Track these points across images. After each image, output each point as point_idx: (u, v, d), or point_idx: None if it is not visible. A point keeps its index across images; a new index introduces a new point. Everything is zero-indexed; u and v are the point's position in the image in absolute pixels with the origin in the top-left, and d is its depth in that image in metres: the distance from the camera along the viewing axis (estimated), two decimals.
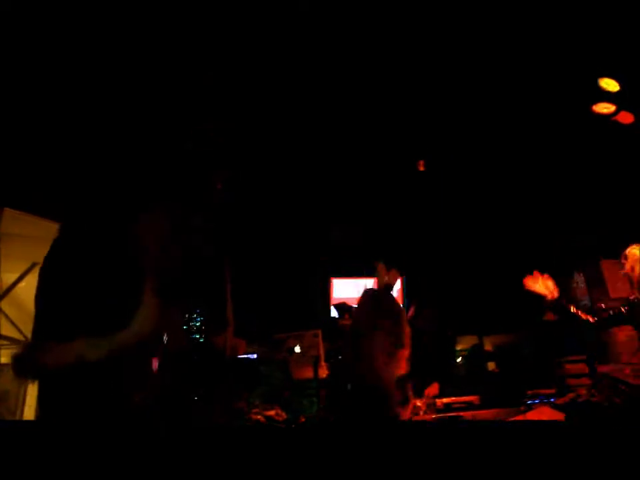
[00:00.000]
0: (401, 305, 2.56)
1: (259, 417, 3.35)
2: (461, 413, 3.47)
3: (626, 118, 3.90)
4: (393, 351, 2.29)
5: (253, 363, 3.55)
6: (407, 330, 2.44)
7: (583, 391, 3.79)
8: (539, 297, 4.36)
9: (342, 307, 3.93)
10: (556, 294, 3.03)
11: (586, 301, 4.25)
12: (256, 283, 4.39)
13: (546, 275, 3.05)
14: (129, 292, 1.58)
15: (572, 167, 4.03)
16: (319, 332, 3.65)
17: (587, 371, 3.93)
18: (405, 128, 3.98)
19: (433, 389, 3.92)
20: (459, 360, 4.99)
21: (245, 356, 3.65)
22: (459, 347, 5.19)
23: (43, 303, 1.57)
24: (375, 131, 4.09)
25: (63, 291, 1.54)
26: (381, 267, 2.55)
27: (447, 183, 4.31)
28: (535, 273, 3.08)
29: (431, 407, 3.39)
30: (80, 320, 1.50)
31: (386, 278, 2.56)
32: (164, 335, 2.11)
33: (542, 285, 3.05)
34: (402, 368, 2.35)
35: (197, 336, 3.83)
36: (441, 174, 4.18)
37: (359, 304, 2.59)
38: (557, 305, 3.08)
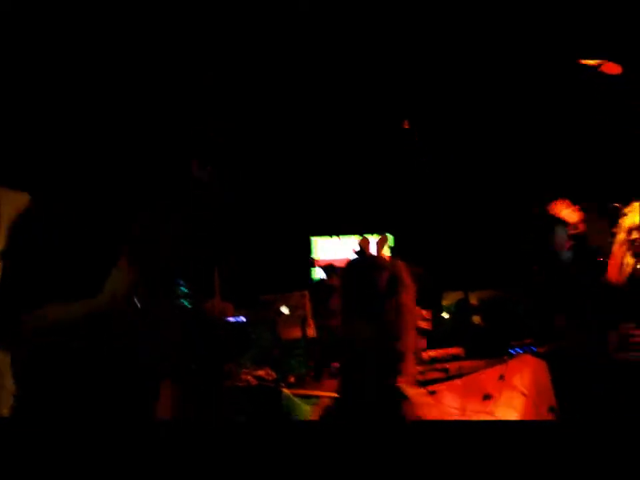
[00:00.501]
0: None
1: (248, 377, 3.42)
2: (446, 365, 3.57)
3: (612, 69, 3.86)
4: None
5: (241, 325, 3.59)
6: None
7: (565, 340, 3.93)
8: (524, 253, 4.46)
9: (328, 268, 3.96)
10: (581, 227, 2.98)
11: (566, 253, 4.32)
12: (242, 244, 4.39)
13: (577, 207, 3.00)
14: (102, 256, 1.56)
15: (560, 122, 4.02)
16: (306, 292, 3.69)
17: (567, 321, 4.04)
18: (389, 83, 3.92)
19: (422, 342, 4.02)
20: (445, 315, 5.11)
21: (234, 319, 3.69)
22: (445, 302, 5.30)
23: (11, 267, 1.52)
24: (359, 87, 4.01)
25: (32, 254, 1.50)
26: (364, 241, 2.49)
27: (434, 138, 4.28)
28: (566, 200, 3.02)
29: (417, 360, 3.47)
30: (52, 284, 1.47)
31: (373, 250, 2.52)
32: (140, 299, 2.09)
33: (571, 213, 2.99)
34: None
35: (184, 302, 3.83)
36: (427, 130, 4.14)
37: (342, 278, 2.56)
38: (579, 238, 3.04)
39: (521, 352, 3.80)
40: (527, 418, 3.63)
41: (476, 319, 4.18)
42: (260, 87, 3.91)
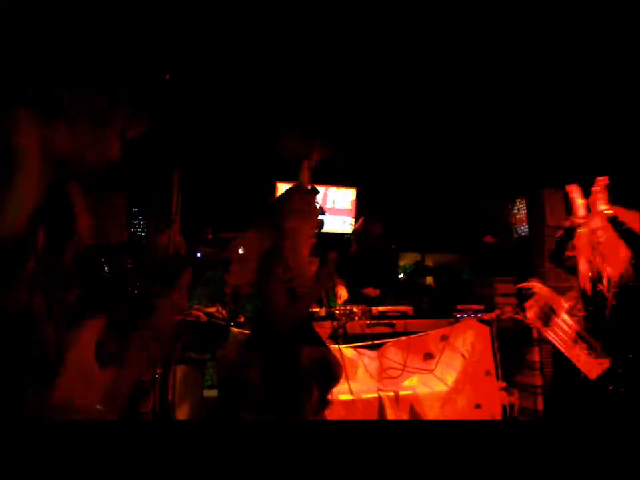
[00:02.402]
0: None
1: (199, 313, 3.41)
2: (394, 321, 3.67)
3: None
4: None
5: (195, 261, 3.54)
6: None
7: (509, 309, 4.10)
8: (480, 221, 4.58)
9: None
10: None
11: (523, 228, 4.45)
12: (203, 183, 4.28)
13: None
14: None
15: (522, 94, 4.00)
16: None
17: (513, 291, 4.20)
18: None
19: (374, 291, 4.10)
20: (400, 275, 5.22)
21: (188, 254, 3.63)
22: (402, 263, 5.41)
23: None
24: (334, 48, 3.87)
25: None
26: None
27: (399, 103, 4.21)
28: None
29: (366, 314, 3.55)
30: None
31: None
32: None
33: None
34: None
35: (140, 232, 3.75)
36: (392, 93, 4.06)
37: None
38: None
39: (466, 316, 3.94)
40: (464, 378, 3.81)
41: (429, 279, 4.29)
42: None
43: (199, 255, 3.72)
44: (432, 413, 3.54)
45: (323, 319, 3.42)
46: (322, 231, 3.92)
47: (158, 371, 3.44)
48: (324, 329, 3.33)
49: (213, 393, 4.18)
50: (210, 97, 4.04)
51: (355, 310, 3.49)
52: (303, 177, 2.59)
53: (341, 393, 3.22)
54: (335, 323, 3.31)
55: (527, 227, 4.44)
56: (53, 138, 1.63)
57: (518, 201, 4.54)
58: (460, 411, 3.64)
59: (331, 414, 3.26)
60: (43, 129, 1.62)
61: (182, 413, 3.69)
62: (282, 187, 4.62)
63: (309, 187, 2.59)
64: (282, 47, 3.62)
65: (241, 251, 3.63)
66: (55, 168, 1.57)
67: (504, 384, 3.92)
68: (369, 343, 3.55)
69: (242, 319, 3.34)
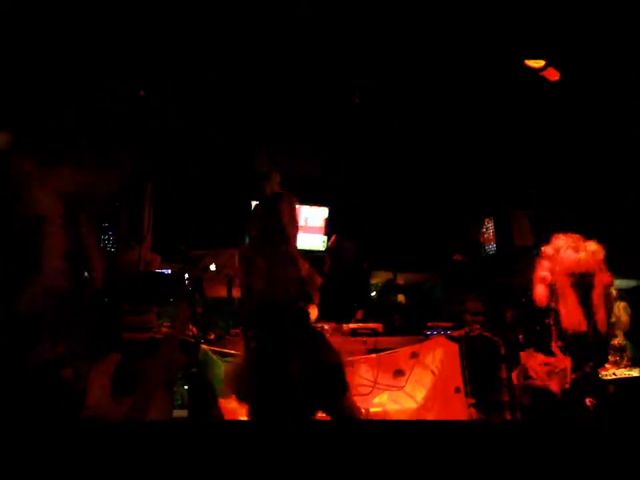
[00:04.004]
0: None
1: (169, 330, 3.37)
2: (365, 339, 3.70)
3: (553, 75, 4.03)
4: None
5: (166, 278, 3.52)
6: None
7: (477, 326, 4.17)
8: (450, 240, 4.69)
9: None
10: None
11: (491, 247, 4.57)
12: (176, 200, 4.28)
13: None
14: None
15: (494, 116, 4.17)
16: (236, 252, 3.65)
17: (482, 309, 4.28)
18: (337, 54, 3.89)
19: (359, 314, 4.15)
20: (372, 293, 5.27)
21: (159, 271, 3.61)
22: (374, 281, 5.46)
23: None
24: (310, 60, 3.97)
25: None
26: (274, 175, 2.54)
27: (374, 120, 4.33)
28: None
29: (337, 331, 3.57)
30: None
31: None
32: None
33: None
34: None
35: (109, 247, 3.71)
36: (370, 110, 4.18)
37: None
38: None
39: (435, 334, 4.00)
40: (434, 395, 3.85)
41: (400, 297, 4.35)
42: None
43: (169, 271, 3.71)
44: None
45: None
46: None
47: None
48: None
49: (182, 413, 4.10)
50: (187, 110, 4.08)
51: (325, 327, 3.50)
52: (272, 187, 2.63)
53: None
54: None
55: (494, 245, 4.57)
56: (62, 182, 1.68)
57: (486, 220, 4.67)
58: None
59: None
60: (52, 177, 1.66)
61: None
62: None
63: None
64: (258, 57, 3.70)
65: (212, 267, 3.65)
66: (69, 211, 1.62)
67: (473, 400, 3.97)
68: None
69: (212, 336, 3.33)
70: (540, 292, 3.22)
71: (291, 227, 2.40)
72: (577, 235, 3.38)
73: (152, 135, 3.81)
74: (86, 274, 1.90)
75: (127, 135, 3.47)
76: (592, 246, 3.26)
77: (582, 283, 3.20)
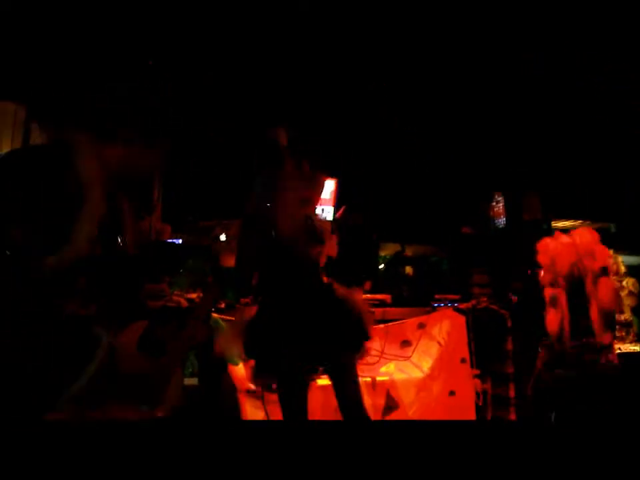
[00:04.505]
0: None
1: (180, 299, 3.42)
2: (373, 309, 3.74)
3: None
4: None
5: (177, 248, 3.56)
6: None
7: (485, 299, 4.20)
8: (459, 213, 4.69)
9: None
10: None
11: (500, 221, 4.56)
12: (187, 169, 4.29)
13: None
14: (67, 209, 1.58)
15: (506, 88, 4.10)
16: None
17: (489, 281, 4.31)
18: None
19: (367, 285, 4.17)
20: (381, 266, 5.30)
21: (170, 240, 3.64)
22: (382, 253, 5.49)
23: None
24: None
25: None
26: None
27: (383, 96, 4.27)
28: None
29: None
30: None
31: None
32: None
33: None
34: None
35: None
36: (374, 82, 4.12)
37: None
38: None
39: (443, 306, 4.04)
40: (440, 365, 3.91)
41: (408, 269, 4.37)
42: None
43: (180, 240, 3.74)
44: (408, 398, 3.63)
45: None
46: None
47: None
48: None
49: (193, 381, 4.20)
50: (196, 85, 4.05)
51: None
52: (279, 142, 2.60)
53: (320, 378, 3.28)
54: None
55: (504, 219, 4.56)
56: (111, 160, 1.75)
57: (496, 194, 4.64)
58: (435, 396, 3.74)
59: (310, 399, 3.33)
60: (102, 152, 1.73)
61: (162, 400, 3.72)
62: None
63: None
64: (264, 40, 3.66)
65: (222, 237, 3.67)
66: (111, 187, 1.69)
67: (478, 371, 4.03)
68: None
69: (223, 305, 3.38)
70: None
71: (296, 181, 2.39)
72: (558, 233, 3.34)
73: (162, 105, 3.79)
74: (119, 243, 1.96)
75: (139, 107, 3.47)
76: (577, 237, 3.22)
77: (572, 279, 3.18)
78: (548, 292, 3.18)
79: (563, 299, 3.15)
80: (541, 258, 3.22)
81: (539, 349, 3.39)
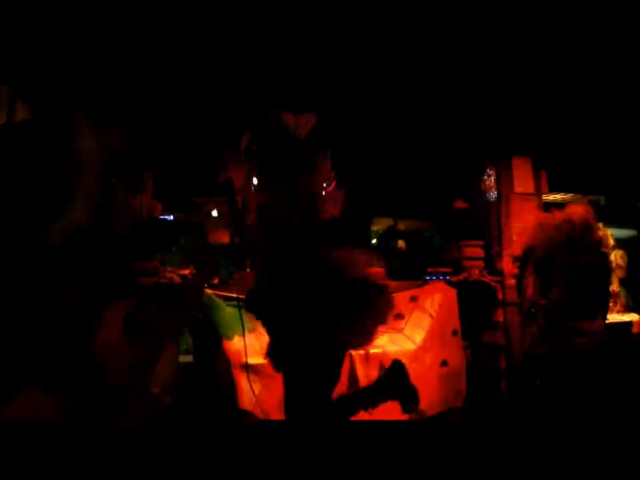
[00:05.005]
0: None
1: (173, 275, 3.42)
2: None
3: None
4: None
5: (168, 225, 3.54)
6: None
7: (476, 271, 4.25)
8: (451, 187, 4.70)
9: None
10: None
11: (492, 194, 4.56)
12: (178, 146, 4.23)
13: None
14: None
15: (495, 59, 4.06)
16: (239, 198, 3.65)
17: (481, 254, 4.35)
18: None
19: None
20: (374, 240, 5.32)
21: (161, 217, 3.62)
22: (375, 227, 5.51)
23: None
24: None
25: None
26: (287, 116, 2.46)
27: (372, 69, 4.22)
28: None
29: None
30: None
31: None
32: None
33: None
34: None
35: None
36: (367, 60, 4.07)
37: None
38: None
39: (435, 279, 4.08)
40: (432, 337, 3.97)
41: (401, 243, 4.39)
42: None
43: (171, 217, 3.72)
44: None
45: None
46: None
47: None
48: None
49: (188, 358, 4.23)
50: (191, 61, 3.98)
51: None
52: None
53: None
54: None
55: (495, 192, 4.56)
56: (108, 140, 1.76)
57: (488, 167, 4.64)
58: (427, 368, 3.81)
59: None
60: (101, 132, 1.74)
61: (156, 377, 3.75)
62: None
63: None
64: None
65: (214, 214, 3.65)
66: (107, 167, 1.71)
67: (468, 343, 4.11)
68: None
69: (216, 281, 3.39)
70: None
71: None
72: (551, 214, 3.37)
73: (151, 80, 3.73)
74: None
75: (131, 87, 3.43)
76: (574, 214, 3.25)
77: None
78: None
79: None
80: (538, 234, 3.26)
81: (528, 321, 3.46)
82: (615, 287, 4.71)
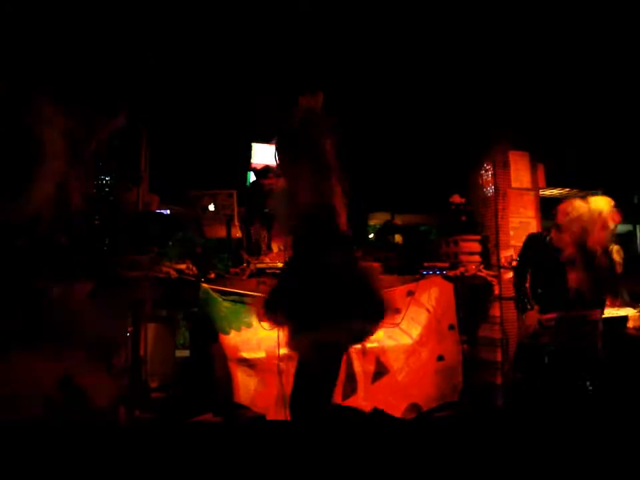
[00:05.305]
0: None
1: (170, 269, 3.42)
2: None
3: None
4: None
5: (165, 219, 3.53)
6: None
7: (472, 266, 4.25)
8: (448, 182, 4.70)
9: (264, 170, 3.90)
10: None
11: (489, 189, 4.56)
12: (174, 140, 4.21)
13: None
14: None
15: (493, 53, 4.04)
16: (234, 192, 3.64)
17: (478, 249, 4.34)
18: None
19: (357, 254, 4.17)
20: (370, 235, 5.32)
21: (158, 211, 3.61)
22: (372, 222, 5.50)
23: None
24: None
25: None
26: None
27: (370, 55, 4.20)
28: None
29: None
30: None
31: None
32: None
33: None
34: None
35: (107, 191, 3.69)
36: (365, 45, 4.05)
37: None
38: None
39: (431, 273, 4.08)
40: (429, 332, 3.98)
41: (398, 238, 4.39)
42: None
43: (167, 211, 3.70)
44: (397, 364, 3.70)
45: None
46: None
47: (129, 329, 3.47)
48: None
49: (185, 353, 4.22)
50: (185, 51, 3.95)
51: None
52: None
53: None
54: None
55: (492, 187, 4.56)
56: (73, 126, 1.76)
57: (485, 162, 4.63)
58: (424, 362, 3.82)
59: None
60: (66, 118, 1.73)
61: (154, 371, 3.75)
62: (257, 148, 4.58)
63: None
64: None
65: (211, 208, 3.65)
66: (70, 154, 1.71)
67: (465, 337, 4.11)
68: None
69: (212, 275, 3.37)
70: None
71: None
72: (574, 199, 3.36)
73: (149, 73, 3.70)
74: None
75: (123, 74, 3.39)
76: (596, 203, 3.24)
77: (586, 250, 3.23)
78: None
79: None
80: (561, 219, 3.25)
81: (523, 315, 3.46)
82: None
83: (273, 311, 2.25)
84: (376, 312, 2.24)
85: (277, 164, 2.37)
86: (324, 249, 2.17)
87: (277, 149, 2.36)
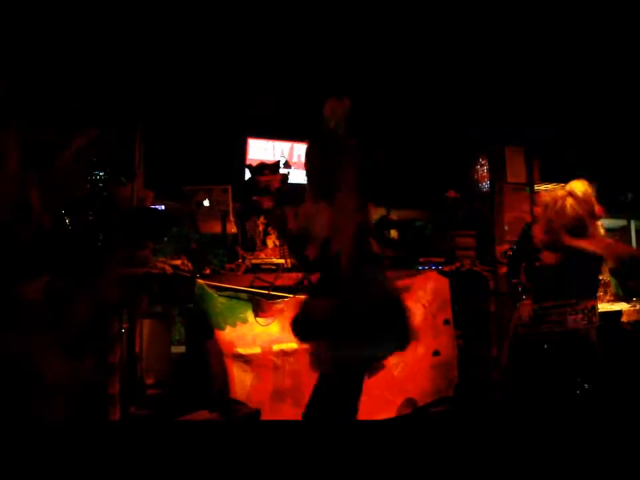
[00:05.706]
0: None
1: (165, 265, 3.40)
2: None
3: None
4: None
5: (159, 214, 3.51)
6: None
7: (468, 261, 4.26)
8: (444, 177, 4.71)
9: (259, 167, 3.88)
10: None
11: (485, 184, 4.57)
12: (169, 135, 4.19)
13: None
14: None
15: (489, 51, 4.05)
16: (229, 188, 3.63)
17: (473, 244, 4.35)
18: None
19: None
20: None
21: (152, 207, 3.59)
22: None
23: None
24: None
25: None
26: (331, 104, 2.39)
27: (367, 61, 4.20)
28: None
29: None
30: None
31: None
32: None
33: None
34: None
35: (101, 187, 3.66)
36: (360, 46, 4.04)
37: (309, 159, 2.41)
38: None
39: (427, 268, 4.08)
40: (424, 327, 3.99)
41: (393, 233, 4.40)
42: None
43: (162, 207, 3.68)
44: (393, 359, 3.69)
45: (289, 270, 3.49)
46: (288, 182, 3.93)
47: (124, 325, 3.46)
48: (289, 280, 3.40)
49: (180, 349, 4.22)
50: (179, 48, 3.93)
51: None
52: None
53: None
54: (300, 275, 3.36)
55: (488, 182, 4.57)
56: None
57: (480, 157, 4.64)
58: (419, 357, 3.83)
59: (296, 361, 3.37)
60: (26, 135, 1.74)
61: (149, 367, 3.74)
62: (253, 143, 4.57)
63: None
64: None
65: (206, 203, 3.63)
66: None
67: (460, 332, 4.12)
68: None
69: (208, 271, 3.36)
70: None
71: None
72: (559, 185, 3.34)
73: (143, 68, 3.67)
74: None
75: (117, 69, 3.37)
76: (570, 186, 3.21)
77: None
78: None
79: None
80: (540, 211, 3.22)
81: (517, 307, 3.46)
82: (604, 276, 4.74)
83: (305, 330, 2.24)
84: (403, 338, 2.26)
85: (311, 183, 2.34)
86: (361, 268, 2.16)
87: (314, 165, 2.32)
